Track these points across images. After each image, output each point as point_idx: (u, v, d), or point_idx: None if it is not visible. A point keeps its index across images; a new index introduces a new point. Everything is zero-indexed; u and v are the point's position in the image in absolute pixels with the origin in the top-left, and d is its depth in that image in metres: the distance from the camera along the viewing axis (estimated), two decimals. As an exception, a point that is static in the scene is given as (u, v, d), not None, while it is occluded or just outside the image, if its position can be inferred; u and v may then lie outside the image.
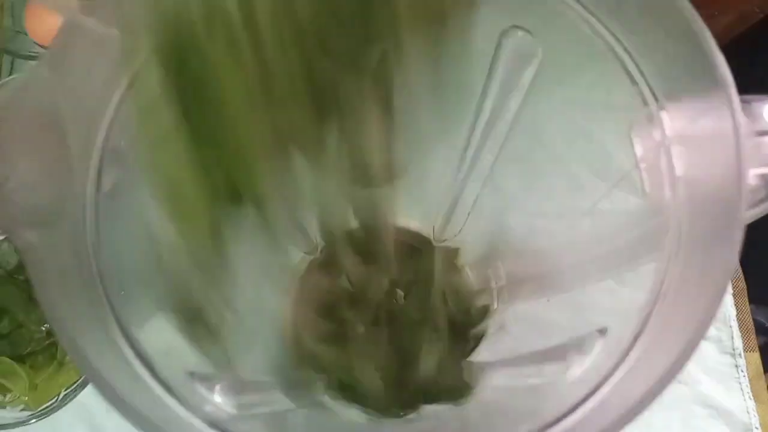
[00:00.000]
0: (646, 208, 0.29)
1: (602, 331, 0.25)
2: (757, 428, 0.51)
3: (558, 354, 0.27)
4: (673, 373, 0.18)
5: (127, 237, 0.25)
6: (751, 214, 0.23)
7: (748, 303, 0.55)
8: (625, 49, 0.26)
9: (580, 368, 0.25)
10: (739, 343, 0.53)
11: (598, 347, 0.25)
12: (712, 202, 0.22)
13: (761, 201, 0.24)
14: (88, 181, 0.23)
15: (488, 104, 0.35)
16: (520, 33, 0.30)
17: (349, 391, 0.37)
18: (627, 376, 0.21)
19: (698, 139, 0.23)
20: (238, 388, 0.25)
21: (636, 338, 0.22)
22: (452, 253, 0.47)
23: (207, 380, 0.24)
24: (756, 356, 0.55)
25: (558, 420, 0.22)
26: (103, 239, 0.23)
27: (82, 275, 0.21)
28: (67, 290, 0.20)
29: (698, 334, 0.19)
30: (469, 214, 0.46)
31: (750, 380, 0.53)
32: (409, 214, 0.48)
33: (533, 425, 0.22)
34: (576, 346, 0.26)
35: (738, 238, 0.20)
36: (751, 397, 0.52)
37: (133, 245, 0.25)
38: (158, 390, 0.21)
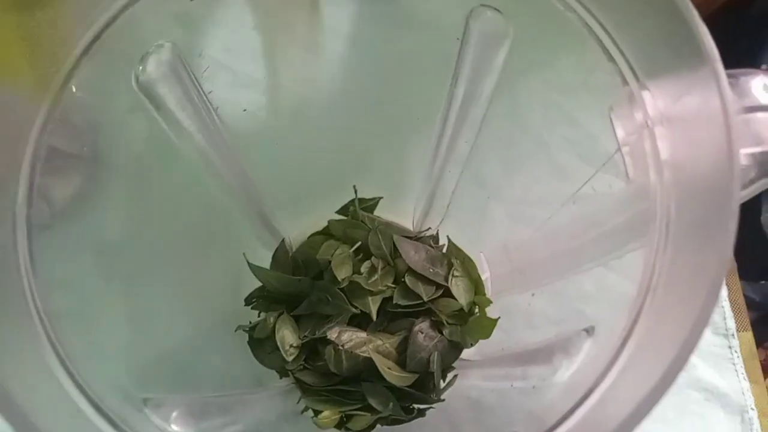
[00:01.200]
0: (631, 193, 0.27)
1: (589, 331, 0.23)
2: (752, 409, 0.50)
3: (544, 356, 0.25)
4: (671, 376, 0.16)
5: (71, 262, 0.23)
6: (741, 196, 0.21)
7: (739, 282, 0.54)
8: (601, 25, 0.24)
9: (568, 371, 0.23)
10: (731, 323, 0.52)
11: (586, 348, 0.23)
12: (701, 188, 0.20)
13: (751, 182, 0.23)
14: (17, 204, 0.20)
15: (460, 90, 0.33)
16: (488, 12, 0.28)
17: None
18: (620, 378, 0.20)
19: (684, 119, 0.21)
20: (199, 411, 0.23)
21: (626, 337, 0.20)
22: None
23: (163, 406, 0.22)
24: (749, 336, 0.54)
25: (552, 428, 0.20)
26: (39, 263, 0.20)
27: (14, 301, 0.19)
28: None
29: (695, 333, 0.17)
30: (448, 205, 0.45)
31: (744, 360, 0.52)
32: (387, 206, 0.46)
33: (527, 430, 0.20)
34: (562, 347, 0.24)
35: (732, 225, 0.18)
36: (746, 378, 0.51)
37: (78, 269, 0.22)
38: (103, 426, 0.19)
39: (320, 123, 0.40)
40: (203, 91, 0.30)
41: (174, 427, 0.22)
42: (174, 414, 0.23)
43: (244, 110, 0.34)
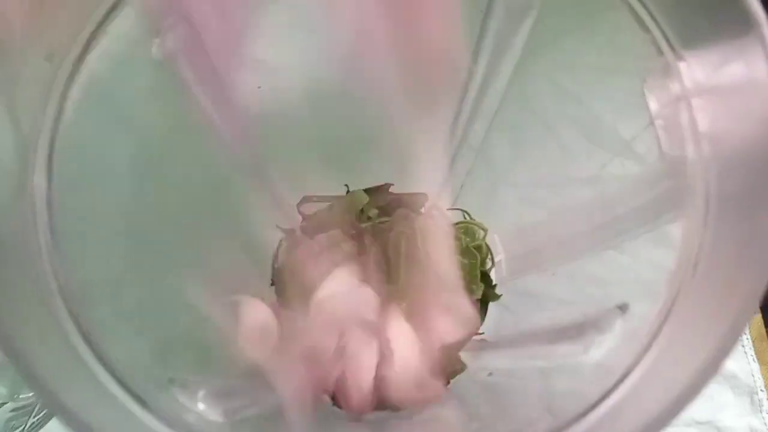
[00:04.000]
0: (659, 170, 0.26)
1: (622, 308, 0.23)
2: (762, 390, 0.50)
3: (574, 333, 0.25)
4: (721, 356, 0.16)
5: (94, 235, 0.22)
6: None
7: (748, 264, 0.54)
8: (634, -10, 0.23)
9: (600, 349, 0.22)
10: (741, 305, 0.51)
11: (619, 326, 0.22)
12: (744, 159, 0.20)
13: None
14: (35, 172, 0.20)
15: (480, 67, 0.32)
16: (515, -19, 0.27)
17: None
18: (660, 358, 0.19)
19: (724, 89, 0.21)
20: (224, 392, 0.23)
21: (667, 314, 0.20)
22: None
23: (189, 387, 0.22)
24: (758, 318, 0.54)
25: (581, 415, 0.19)
26: (61, 239, 0.19)
27: (36, 281, 0.19)
28: (14, 297, 0.17)
29: (744, 313, 0.16)
30: (461, 187, 0.44)
31: (753, 342, 0.52)
32: (400, 188, 0.46)
33: (554, 421, 0.19)
34: (593, 323, 0.23)
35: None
36: (755, 360, 0.51)
37: (100, 245, 0.22)
38: (129, 404, 0.18)
39: (333, 102, 0.39)
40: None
41: (201, 405, 0.22)
42: (201, 393, 0.22)
43: (259, 87, 0.33)
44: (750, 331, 0.52)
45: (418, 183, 0.45)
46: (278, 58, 0.37)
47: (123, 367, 0.19)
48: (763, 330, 0.53)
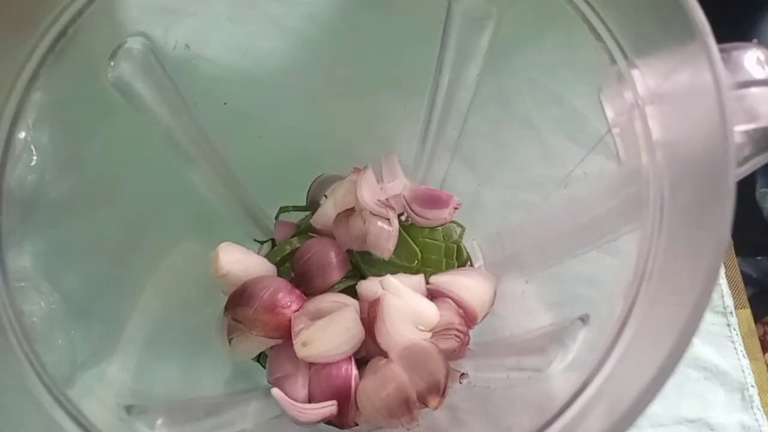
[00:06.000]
0: (623, 176, 0.26)
1: (584, 319, 0.23)
2: (752, 386, 0.50)
3: (538, 346, 0.25)
4: (672, 362, 0.16)
5: (49, 268, 0.22)
6: (737, 174, 0.20)
7: (736, 259, 0.54)
8: (587, 2, 0.23)
9: (563, 362, 0.22)
10: (729, 301, 0.51)
11: (581, 337, 0.22)
12: (695, 168, 0.19)
13: (746, 159, 0.22)
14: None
15: (445, 75, 0.32)
16: (471, -7, 0.27)
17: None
18: (618, 367, 0.19)
19: (674, 97, 0.21)
20: (183, 419, 0.22)
21: (623, 325, 0.20)
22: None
23: (149, 413, 0.21)
24: (747, 313, 0.53)
25: (555, 417, 0.19)
26: (12, 273, 0.19)
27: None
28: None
29: (694, 318, 0.16)
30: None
31: (743, 338, 0.51)
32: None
33: (528, 426, 0.19)
34: (556, 338, 0.23)
35: (729, 206, 0.17)
36: (745, 356, 0.51)
37: (56, 276, 0.21)
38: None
39: (303, 114, 0.39)
40: (179, 86, 0.29)
41: (158, 433, 0.22)
42: (159, 421, 0.22)
43: (225, 104, 0.33)
44: (739, 328, 0.52)
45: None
46: (251, 68, 0.37)
47: (76, 397, 0.19)
48: (753, 325, 0.53)
